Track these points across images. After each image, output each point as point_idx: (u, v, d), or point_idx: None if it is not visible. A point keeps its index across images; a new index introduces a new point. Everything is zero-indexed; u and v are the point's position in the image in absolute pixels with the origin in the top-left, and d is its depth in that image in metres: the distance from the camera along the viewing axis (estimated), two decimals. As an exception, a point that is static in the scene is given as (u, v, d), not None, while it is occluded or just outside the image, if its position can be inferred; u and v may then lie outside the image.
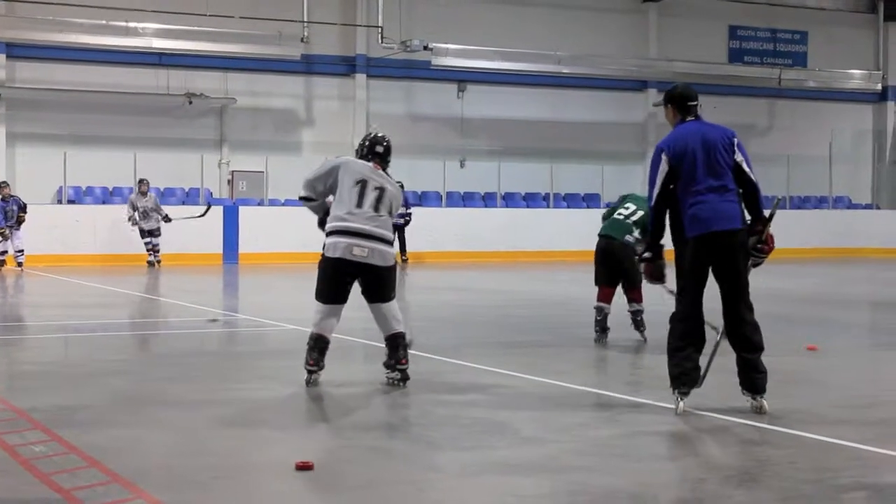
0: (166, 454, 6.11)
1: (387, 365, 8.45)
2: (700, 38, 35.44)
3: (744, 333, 7.16)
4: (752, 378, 7.16)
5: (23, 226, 23.84)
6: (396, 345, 8.38)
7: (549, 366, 9.59)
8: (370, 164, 8.53)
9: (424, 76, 31.55)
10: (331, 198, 8.45)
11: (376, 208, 8.34)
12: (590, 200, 33.06)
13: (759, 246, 7.32)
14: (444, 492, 5.43)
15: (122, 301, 16.97)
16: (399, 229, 25.57)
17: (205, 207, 25.87)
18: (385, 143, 8.70)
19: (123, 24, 27.35)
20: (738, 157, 7.37)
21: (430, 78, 31.68)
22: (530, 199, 32.53)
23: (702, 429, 6.80)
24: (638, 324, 11.42)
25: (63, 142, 27.86)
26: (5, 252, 23.79)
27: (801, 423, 6.83)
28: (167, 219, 25.27)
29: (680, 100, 7.60)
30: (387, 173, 8.63)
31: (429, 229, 28.24)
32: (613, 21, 34.51)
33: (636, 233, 11.17)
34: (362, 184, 8.34)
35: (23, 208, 23.89)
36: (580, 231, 30.62)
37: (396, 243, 8.29)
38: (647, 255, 7.61)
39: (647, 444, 6.39)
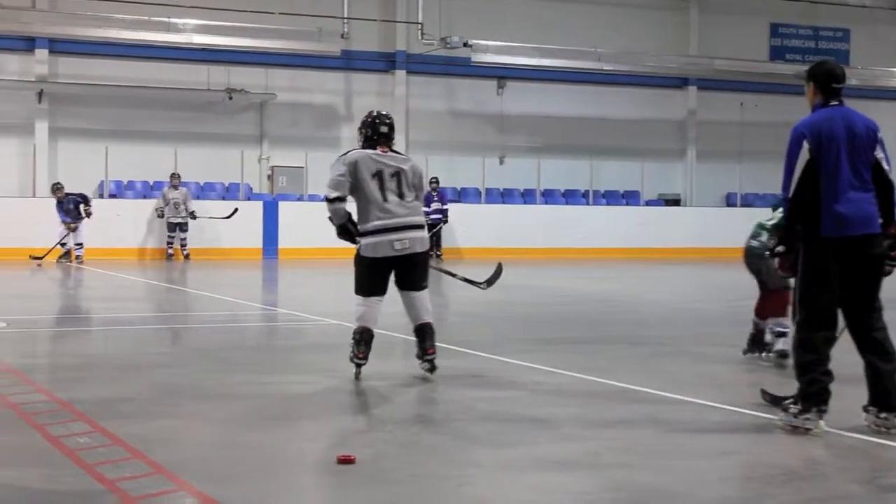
0: (208, 446, 6.13)
1: (418, 356, 8.47)
2: (741, 36, 35.22)
3: (876, 339, 6.59)
4: (891, 393, 6.52)
5: (83, 221, 24.18)
6: (424, 335, 8.38)
7: (589, 362, 9.56)
8: (378, 150, 8.42)
9: (464, 73, 31.50)
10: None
11: (401, 195, 8.30)
12: (629, 198, 32.96)
13: (892, 253, 6.74)
14: (485, 487, 5.42)
15: (162, 294, 17.06)
16: (433, 226, 25.55)
17: (232, 209, 26.12)
18: (388, 122, 8.58)
19: (165, 19, 27.48)
20: (879, 154, 6.67)
21: (469, 74, 31.63)
22: (570, 196, 32.45)
23: (745, 427, 6.75)
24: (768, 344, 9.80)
25: (104, 136, 28.02)
26: (66, 244, 24.07)
27: (849, 423, 6.74)
28: (193, 215, 25.76)
29: (824, 79, 6.82)
30: (394, 151, 8.55)
31: (468, 226, 28.26)
32: (654, 18, 34.37)
33: (763, 236, 9.82)
34: (379, 175, 8.27)
35: (86, 201, 24.19)
36: (620, 228, 30.77)
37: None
38: (780, 248, 6.82)
39: (690, 442, 6.35)
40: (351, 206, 8.41)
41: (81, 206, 24.09)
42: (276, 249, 27.20)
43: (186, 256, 25.80)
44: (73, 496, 5.05)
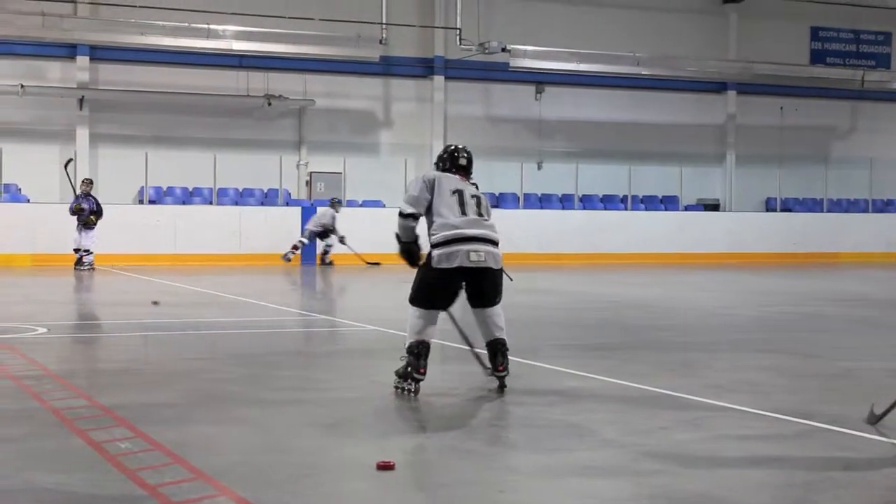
0: (248, 452, 6.15)
1: (489, 372, 8.32)
2: (781, 40, 35.10)
3: None
4: None
5: (97, 227, 23.80)
6: (495, 351, 8.20)
7: (628, 368, 9.53)
8: (456, 175, 8.37)
9: (502, 78, 31.56)
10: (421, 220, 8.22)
11: (479, 213, 8.19)
12: (668, 203, 32.88)
13: None
14: (524, 493, 5.41)
15: (202, 300, 17.14)
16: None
17: (376, 262, 26.23)
18: (466, 155, 8.51)
19: (204, 26, 27.68)
20: None
21: (507, 80, 31.69)
22: (608, 202, 32.41)
23: (785, 434, 6.71)
24: None
25: (144, 143, 28.27)
26: (79, 250, 23.78)
27: (888, 429, 6.70)
28: (342, 240, 26.21)
29: None
30: (472, 183, 8.50)
31: (506, 231, 28.20)
32: (693, 22, 34.29)
33: None
34: (459, 193, 8.18)
35: (96, 212, 23.83)
36: (658, 233, 30.70)
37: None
38: None
39: (729, 449, 6.32)
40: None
41: (93, 217, 23.72)
42: (314, 256, 27.29)
43: (330, 263, 26.50)
44: (115, 501, 5.09)
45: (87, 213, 23.66)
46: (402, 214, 8.18)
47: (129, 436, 6.40)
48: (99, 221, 23.81)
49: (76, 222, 23.69)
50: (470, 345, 8.66)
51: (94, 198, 24.13)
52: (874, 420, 6.78)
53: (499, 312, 8.29)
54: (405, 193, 8.33)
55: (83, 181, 24.48)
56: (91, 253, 23.76)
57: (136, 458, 5.81)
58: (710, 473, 5.74)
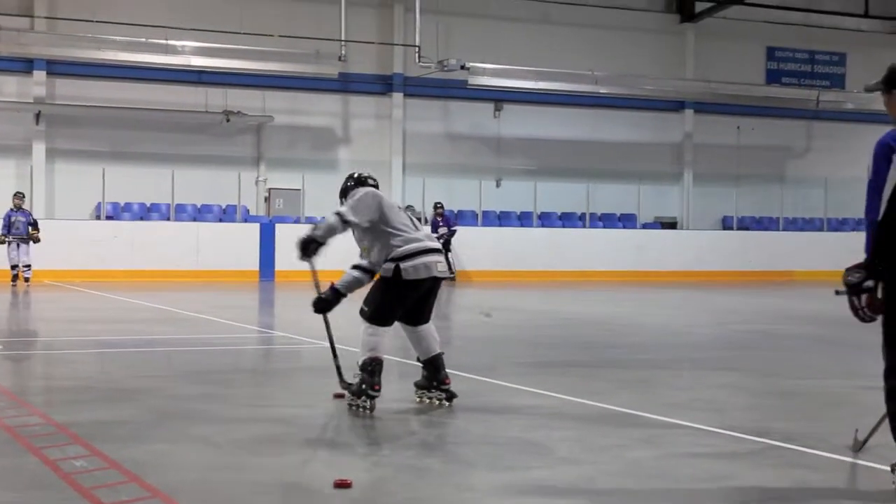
0: (205, 470, 6.12)
1: (422, 386, 8.38)
2: (738, 59, 35.38)
3: None
4: None
5: (30, 243, 23.51)
6: (438, 365, 8.28)
7: (585, 386, 9.56)
8: None
9: (461, 95, 31.61)
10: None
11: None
12: (626, 220, 33.03)
13: None
14: (481, 511, 5.43)
15: (159, 317, 17.05)
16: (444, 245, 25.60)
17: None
18: (374, 179, 8.55)
19: (163, 41, 27.58)
20: None
21: (466, 97, 31.74)
22: (566, 219, 32.51)
23: (739, 452, 6.75)
24: None
25: (102, 158, 28.09)
26: (16, 266, 23.52)
27: (841, 446, 6.76)
28: None
29: None
30: None
31: (464, 248, 28.27)
32: (651, 41, 34.51)
33: None
34: (401, 209, 8.30)
35: (33, 225, 23.63)
36: (616, 251, 30.82)
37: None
38: (868, 283, 5.47)
39: (685, 467, 6.35)
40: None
41: (30, 229, 23.49)
42: (273, 272, 27.21)
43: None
44: (68, 520, 5.06)
45: (24, 228, 23.44)
46: (343, 220, 8.04)
47: (84, 454, 6.35)
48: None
49: (9, 238, 23.41)
50: (335, 355, 8.61)
51: (27, 211, 23.90)
52: (859, 447, 6.64)
53: (433, 327, 8.37)
54: (350, 201, 8.14)
55: (14, 195, 24.14)
56: (30, 268, 23.50)
57: (92, 477, 5.77)
58: (664, 491, 5.76)
